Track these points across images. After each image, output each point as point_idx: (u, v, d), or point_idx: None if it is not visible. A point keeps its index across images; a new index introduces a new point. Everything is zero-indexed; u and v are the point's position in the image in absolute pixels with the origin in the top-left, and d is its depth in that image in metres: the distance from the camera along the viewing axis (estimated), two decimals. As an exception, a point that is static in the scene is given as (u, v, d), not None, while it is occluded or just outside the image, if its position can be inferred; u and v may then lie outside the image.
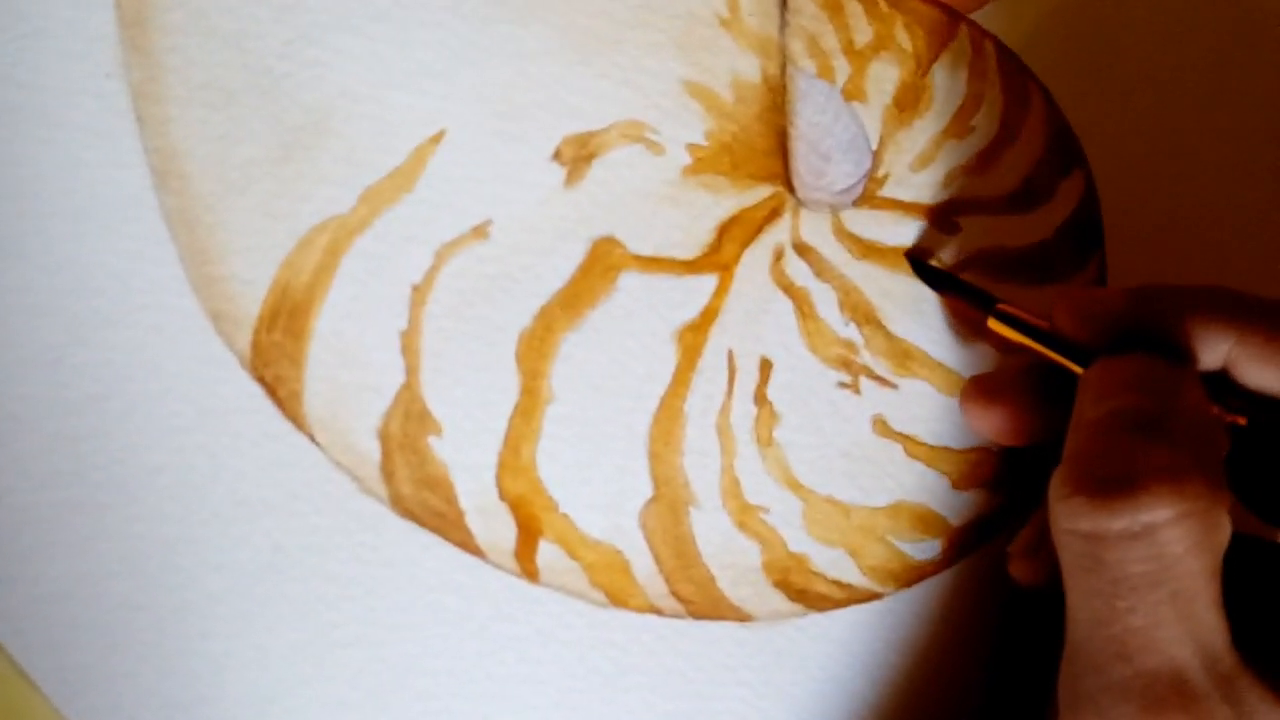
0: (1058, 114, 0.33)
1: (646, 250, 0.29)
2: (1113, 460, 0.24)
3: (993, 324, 0.29)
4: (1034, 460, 0.29)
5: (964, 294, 0.30)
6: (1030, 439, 0.29)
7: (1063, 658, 0.25)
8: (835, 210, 0.31)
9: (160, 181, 0.26)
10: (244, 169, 0.27)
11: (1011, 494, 0.32)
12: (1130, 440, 0.24)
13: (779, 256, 0.30)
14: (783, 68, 0.30)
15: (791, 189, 0.31)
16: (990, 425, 0.29)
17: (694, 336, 0.30)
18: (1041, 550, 0.29)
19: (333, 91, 0.27)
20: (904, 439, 0.31)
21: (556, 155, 0.29)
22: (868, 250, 0.31)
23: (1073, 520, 0.24)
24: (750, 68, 0.30)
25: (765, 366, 0.30)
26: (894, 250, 0.31)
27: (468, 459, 0.28)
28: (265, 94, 0.27)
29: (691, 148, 0.30)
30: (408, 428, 0.28)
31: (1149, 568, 0.23)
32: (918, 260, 0.31)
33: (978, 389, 0.29)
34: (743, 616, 0.30)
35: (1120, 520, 0.23)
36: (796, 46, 0.30)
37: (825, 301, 0.31)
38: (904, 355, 0.31)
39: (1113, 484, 0.23)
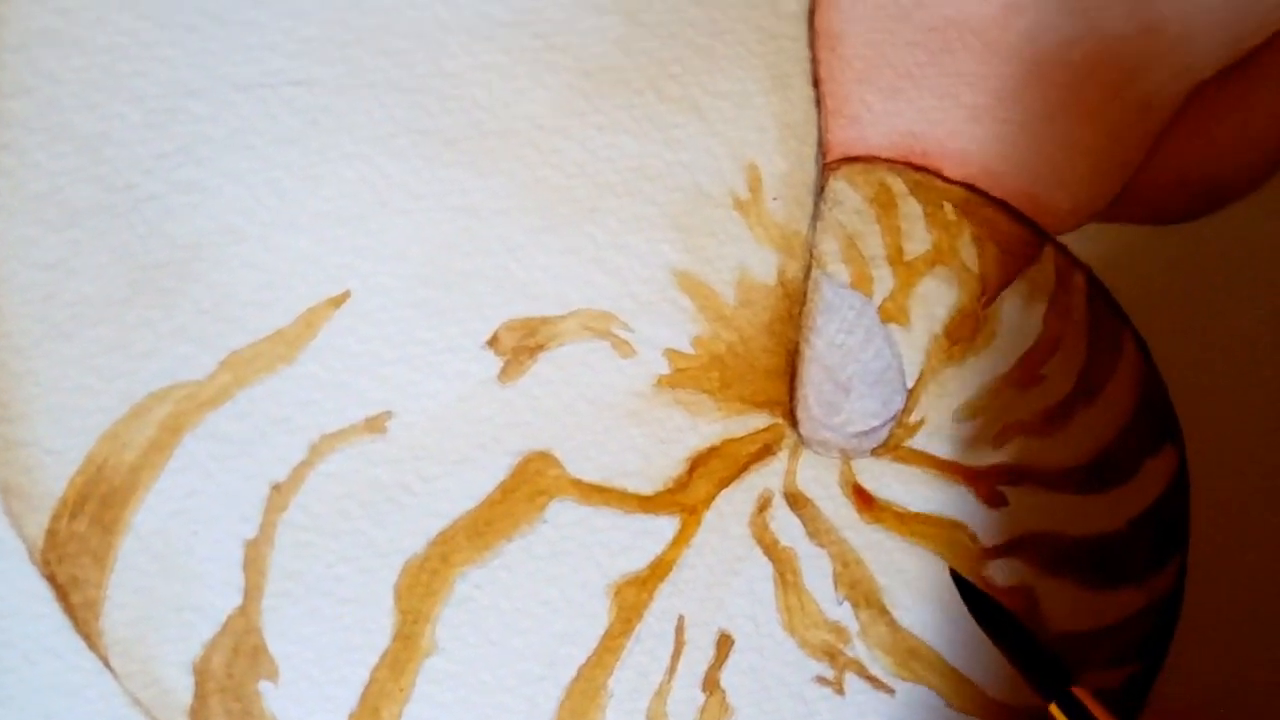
0: (1155, 375, 0.29)
1: (591, 475, 0.26)
2: None
3: (1055, 712, 0.26)
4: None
5: (1027, 656, 0.26)
6: None
7: None
8: (847, 456, 0.28)
9: (-35, 308, 0.24)
10: (75, 309, 0.24)
11: None
12: None
13: (764, 505, 0.27)
14: (807, 270, 0.27)
15: (794, 423, 0.28)
16: None
17: (636, 593, 0.26)
18: None
19: (209, 225, 0.24)
20: (891, 764, 0.28)
21: (493, 342, 0.26)
22: (881, 512, 0.28)
23: None
24: (764, 265, 0.27)
25: (724, 643, 0.27)
26: (915, 518, 0.28)
27: (308, 715, 0.25)
28: (120, 217, 0.24)
29: (672, 354, 0.27)
30: (234, 666, 0.25)
31: None
32: (967, 585, 0.27)
33: None
34: None
35: None
36: (829, 246, 0.27)
37: (816, 570, 0.28)
38: (908, 653, 0.28)
39: None
